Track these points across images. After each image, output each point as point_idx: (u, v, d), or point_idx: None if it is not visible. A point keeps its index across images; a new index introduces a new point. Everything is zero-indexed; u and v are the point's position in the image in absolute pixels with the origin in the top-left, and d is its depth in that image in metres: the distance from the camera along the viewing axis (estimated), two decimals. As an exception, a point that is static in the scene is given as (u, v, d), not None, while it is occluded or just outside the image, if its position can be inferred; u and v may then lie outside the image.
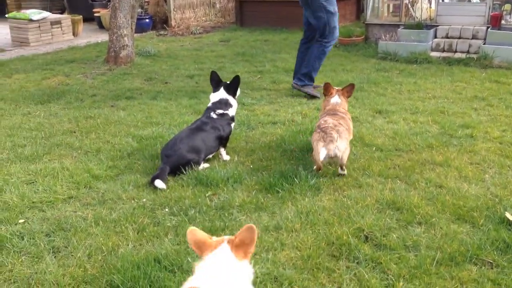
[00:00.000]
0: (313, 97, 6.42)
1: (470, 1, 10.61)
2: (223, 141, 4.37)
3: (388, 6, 10.67)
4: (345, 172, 3.96)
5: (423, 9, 9.80)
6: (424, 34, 8.88)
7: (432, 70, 7.77)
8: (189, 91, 6.81)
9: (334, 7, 6.45)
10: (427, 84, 6.91)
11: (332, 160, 3.90)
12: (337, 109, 4.24)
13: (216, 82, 4.55)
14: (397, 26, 9.60)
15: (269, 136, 4.92)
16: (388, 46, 8.86)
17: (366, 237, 3.08)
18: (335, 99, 4.35)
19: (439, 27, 9.10)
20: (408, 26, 9.28)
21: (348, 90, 4.41)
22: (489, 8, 8.91)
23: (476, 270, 2.75)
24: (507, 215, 3.20)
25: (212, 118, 4.36)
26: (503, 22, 8.74)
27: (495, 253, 2.87)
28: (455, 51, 8.66)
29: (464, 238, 3.03)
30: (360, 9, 13.92)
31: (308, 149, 4.44)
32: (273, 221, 3.30)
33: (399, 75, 7.52)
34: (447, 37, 8.94)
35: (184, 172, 4.01)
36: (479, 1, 10.59)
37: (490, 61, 7.93)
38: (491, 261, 2.81)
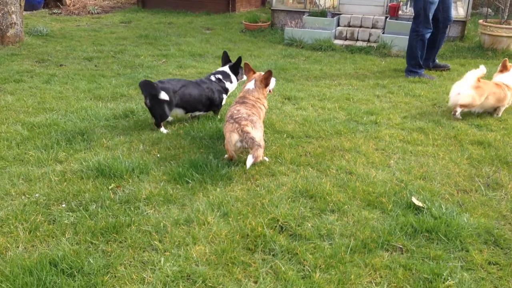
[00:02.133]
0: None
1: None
2: (213, 106, 4.79)
3: (293, -8, 10.76)
4: (267, 159, 3.88)
5: (327, -3, 9.99)
6: (328, 22, 9.05)
7: (336, 57, 7.93)
8: (88, 75, 6.33)
9: None
10: (332, 71, 7.02)
11: (246, 150, 3.77)
12: (247, 97, 4.09)
13: (225, 61, 5.01)
14: (303, 13, 9.71)
15: (177, 123, 4.68)
16: (294, 32, 8.92)
17: (281, 228, 2.99)
18: (249, 85, 4.16)
19: (342, 15, 9.33)
20: (313, 14, 9.41)
21: (265, 77, 4.12)
22: (388, -1, 9.28)
23: (388, 256, 2.77)
24: (414, 200, 3.28)
25: (210, 80, 4.78)
26: (400, 12, 9.15)
27: (405, 238, 2.91)
28: (357, 40, 8.93)
29: (375, 225, 3.05)
30: (265, -5, 13.95)
31: (218, 137, 4.28)
32: (183, 214, 3.10)
33: (306, 62, 7.58)
34: (349, 25, 9.20)
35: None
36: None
37: (389, 50, 8.27)
38: (401, 247, 2.85)
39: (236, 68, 4.90)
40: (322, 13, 9.40)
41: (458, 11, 9.72)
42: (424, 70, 6.93)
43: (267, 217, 3.08)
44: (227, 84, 4.84)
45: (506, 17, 8.18)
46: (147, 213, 3.10)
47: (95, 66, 6.94)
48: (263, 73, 4.18)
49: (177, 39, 9.05)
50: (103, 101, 5.27)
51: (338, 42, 8.81)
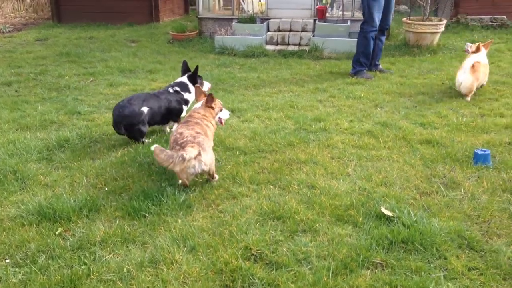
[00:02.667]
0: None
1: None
2: (171, 116, 4.68)
3: None
4: (217, 178, 3.67)
5: (254, 3, 9.91)
6: (258, 28, 8.97)
7: (270, 63, 7.86)
8: (9, 102, 5.79)
9: None
10: (270, 78, 6.93)
11: (200, 174, 3.55)
12: (192, 115, 3.86)
13: (184, 71, 4.94)
14: (231, 20, 9.57)
15: (119, 148, 4.35)
16: (224, 40, 8.76)
17: (256, 257, 2.80)
18: (197, 105, 4.00)
19: (271, 20, 9.29)
20: (241, 20, 9.30)
21: (208, 100, 3.90)
22: (315, 1, 9.35)
23: (370, 275, 2.67)
24: (383, 210, 3.21)
25: (168, 92, 4.71)
26: (327, 14, 9.26)
27: (383, 252, 2.83)
28: (289, 44, 8.92)
29: (350, 241, 2.94)
30: (188, 3, 13.66)
31: (168, 161, 4.01)
32: (147, 254, 2.83)
33: (241, 70, 7.44)
34: (279, 30, 9.18)
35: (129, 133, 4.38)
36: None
37: (321, 52, 8.33)
38: (381, 262, 2.76)
39: (194, 78, 4.82)
40: (251, 19, 9.31)
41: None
42: (366, 69, 7.00)
43: (238, 246, 2.88)
44: (186, 95, 4.76)
45: (428, 14, 8.50)
46: (105, 259, 2.80)
47: (16, 91, 6.38)
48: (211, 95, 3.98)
49: (102, 55, 8.58)
50: (31, 131, 4.81)
51: (270, 47, 8.76)
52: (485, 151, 3.97)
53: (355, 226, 3.12)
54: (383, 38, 7.20)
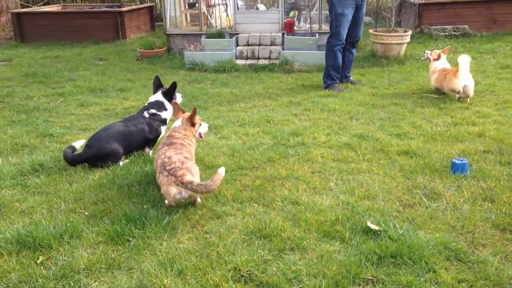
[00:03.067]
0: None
1: (258, 9, 11.18)
2: (149, 142, 4.58)
3: (186, 15, 10.55)
4: (199, 200, 3.64)
5: (222, 18, 9.93)
6: (228, 43, 8.98)
7: (242, 78, 7.86)
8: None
9: (343, 9, 6.70)
10: (243, 93, 6.92)
11: (188, 199, 3.50)
12: (174, 135, 3.84)
13: (156, 86, 4.80)
14: (200, 35, 9.55)
15: (96, 171, 4.24)
16: (194, 56, 8.72)
17: (246, 278, 2.76)
18: (177, 123, 3.96)
19: (240, 35, 9.31)
20: (210, 36, 9.29)
21: (190, 116, 3.92)
22: (282, 15, 9.43)
23: (362, 291, 2.66)
24: (369, 224, 3.22)
25: (144, 117, 4.57)
26: (295, 28, 9.35)
27: (372, 267, 2.83)
28: (259, 58, 8.95)
29: (339, 258, 2.93)
30: (154, 19, 13.57)
31: (148, 182, 3.94)
32: (133, 280, 2.75)
33: (213, 86, 7.41)
34: (248, 44, 9.20)
35: (102, 165, 4.28)
36: (265, 9, 11.23)
37: (291, 65, 8.39)
38: (372, 278, 2.75)
39: (170, 94, 4.70)
40: (220, 34, 9.31)
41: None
42: (337, 82, 7.07)
43: (227, 267, 2.83)
44: (163, 114, 4.66)
45: (393, 25, 8.69)
46: (91, 287, 2.70)
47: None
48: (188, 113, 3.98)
49: (69, 74, 8.40)
50: (3, 156, 4.65)
51: (240, 62, 8.77)
52: (462, 160, 4.04)
53: (342, 241, 3.11)
54: (354, 51, 7.29)
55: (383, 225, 3.20)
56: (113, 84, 7.60)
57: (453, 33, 10.15)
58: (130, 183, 3.94)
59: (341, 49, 6.94)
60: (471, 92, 5.98)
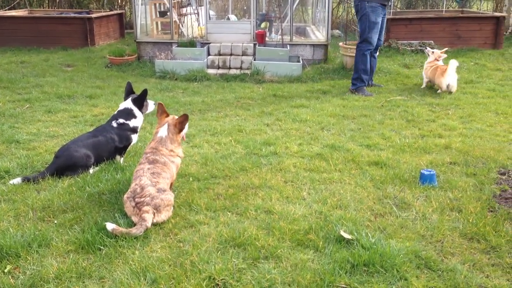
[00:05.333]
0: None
1: (229, 19, 11.24)
2: (120, 150, 4.52)
3: (157, 23, 10.49)
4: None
5: (194, 27, 9.92)
6: (199, 52, 8.97)
7: (213, 87, 7.86)
8: None
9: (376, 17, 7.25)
10: (214, 102, 6.92)
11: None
12: (160, 150, 3.68)
13: (127, 92, 4.71)
14: (171, 44, 9.51)
15: (65, 178, 4.15)
16: (165, 64, 8.67)
17: (220, 287, 2.74)
18: (162, 131, 3.77)
19: (211, 44, 9.32)
20: (181, 44, 9.26)
21: (180, 121, 3.79)
22: (254, 26, 9.50)
23: (336, 299, 2.69)
24: (342, 233, 3.26)
25: (112, 126, 4.49)
26: (267, 39, 9.42)
27: (346, 276, 2.86)
28: (230, 68, 8.98)
29: (313, 266, 2.95)
30: (123, 27, 13.44)
31: (120, 190, 3.87)
32: (105, 291, 2.69)
33: (185, 95, 7.38)
34: (220, 54, 9.22)
35: (72, 174, 4.17)
36: (236, 19, 11.30)
37: (263, 76, 8.44)
38: (345, 286, 2.78)
39: (140, 102, 4.63)
40: (191, 43, 9.30)
41: (317, 35, 10.32)
42: (366, 86, 7.56)
43: (201, 276, 2.81)
44: (132, 123, 4.58)
45: (362, 39, 8.85)
46: (61, 297, 2.63)
47: None
48: (176, 117, 3.85)
49: (36, 80, 8.21)
50: (-34, 162, 4.49)
51: (211, 71, 8.77)
52: (430, 171, 4.15)
53: (316, 250, 3.13)
54: (376, 55, 7.90)
55: (355, 234, 3.24)
56: (81, 91, 7.47)
57: (419, 47, 10.43)
58: (101, 191, 3.87)
59: (369, 54, 7.47)
60: (453, 89, 7.26)
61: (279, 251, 3.09)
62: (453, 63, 7.17)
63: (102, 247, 3.08)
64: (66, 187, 3.97)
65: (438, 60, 7.53)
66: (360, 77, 7.49)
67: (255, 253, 3.06)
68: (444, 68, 7.24)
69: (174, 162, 3.73)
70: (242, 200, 3.81)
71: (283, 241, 3.23)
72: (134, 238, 3.18)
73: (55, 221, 3.42)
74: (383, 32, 7.83)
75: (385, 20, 7.67)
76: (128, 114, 4.58)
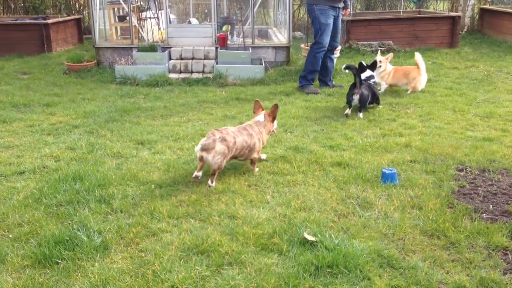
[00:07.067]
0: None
1: (191, 22, 11.15)
2: None
3: (116, 28, 10.31)
4: (213, 184, 4.07)
5: (154, 31, 9.79)
6: (160, 57, 8.86)
7: (176, 92, 7.77)
8: None
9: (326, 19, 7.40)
10: (177, 107, 6.83)
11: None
12: (252, 126, 4.40)
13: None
14: (131, 49, 9.36)
15: (21, 190, 4.00)
16: (125, 70, 8.53)
17: (184, 297, 2.69)
18: (259, 117, 4.54)
19: (172, 48, 9.23)
20: (142, 49, 9.13)
21: (272, 110, 4.57)
22: (215, 29, 9.45)
23: (301, 302, 2.67)
24: (306, 235, 3.25)
25: None
26: (229, 42, 9.39)
27: (310, 278, 2.85)
28: (192, 72, 8.90)
29: (277, 270, 2.93)
30: (82, 32, 13.16)
31: (79, 201, 3.76)
32: (63, 306, 2.60)
33: (146, 100, 7.26)
34: (181, 58, 9.13)
35: None
36: (198, 23, 11.23)
37: (225, 79, 8.40)
38: (310, 289, 2.78)
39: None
40: (152, 48, 9.17)
41: (279, 38, 10.36)
42: (312, 84, 7.81)
43: (164, 286, 2.75)
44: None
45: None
46: (16, 316, 2.53)
47: None
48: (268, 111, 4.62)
49: (-10, 89, 7.93)
50: None
51: (173, 76, 8.67)
52: (391, 170, 4.20)
53: (280, 254, 3.12)
54: (333, 57, 8.06)
55: (319, 235, 3.24)
56: (38, 99, 7.25)
57: (379, 48, 10.60)
58: (59, 202, 3.75)
59: (322, 55, 7.62)
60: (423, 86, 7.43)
61: (243, 256, 3.06)
62: (421, 60, 7.29)
63: (59, 261, 2.98)
64: (22, 199, 3.83)
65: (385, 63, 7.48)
66: (306, 76, 7.75)
67: (219, 260, 3.02)
68: (410, 69, 7.45)
69: (259, 140, 4.37)
70: (205, 206, 3.76)
71: (247, 246, 3.20)
72: (94, 250, 3.09)
73: (10, 236, 3.29)
74: (339, 33, 7.94)
75: (340, 21, 7.79)
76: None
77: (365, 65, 6.92)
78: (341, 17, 7.81)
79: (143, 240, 3.27)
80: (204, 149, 3.94)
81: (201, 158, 4.01)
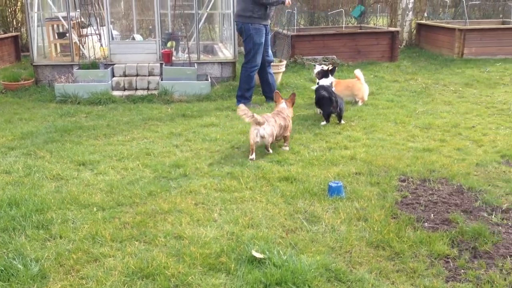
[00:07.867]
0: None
1: (134, 39, 10.98)
2: None
3: (56, 45, 9.99)
4: (288, 148, 5.49)
5: (96, 48, 9.57)
6: (102, 74, 8.65)
7: (120, 110, 7.58)
8: None
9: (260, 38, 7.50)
10: (120, 125, 6.66)
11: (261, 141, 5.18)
12: (282, 112, 5.54)
13: None
14: (71, 66, 9.09)
15: (-49, 219, 3.75)
16: (66, 88, 8.27)
17: (128, 324, 2.58)
18: (283, 104, 5.65)
19: (116, 65, 9.04)
20: (83, 66, 8.88)
21: (291, 99, 5.75)
22: (159, 46, 9.34)
23: (250, 323, 2.62)
24: (254, 253, 3.21)
25: None
26: (174, 58, 9.30)
27: (259, 297, 2.81)
28: (136, 89, 8.74)
29: (225, 290, 2.88)
30: (19, 49, 12.68)
31: (15, 228, 3.56)
32: None
33: (88, 119, 7.04)
34: (125, 75, 8.95)
35: None
36: (142, 39, 11.08)
37: (171, 96, 8.29)
38: (259, 308, 2.73)
39: None
40: (94, 65, 8.93)
41: (225, 53, 10.37)
42: (249, 101, 7.77)
43: (106, 315, 2.63)
44: None
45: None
46: None
47: None
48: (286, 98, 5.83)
49: None
50: None
51: (117, 93, 8.47)
52: (337, 183, 4.25)
53: (228, 273, 3.06)
54: (271, 70, 8.11)
55: (267, 252, 3.21)
56: (-28, 120, 6.88)
57: (323, 62, 10.81)
58: (-7, 230, 3.54)
59: (254, 73, 7.75)
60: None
61: (190, 278, 2.98)
62: (360, 73, 7.59)
63: (-7, 294, 2.79)
64: (-49, 228, 3.59)
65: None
66: (243, 94, 7.79)
67: (165, 283, 2.93)
68: (352, 82, 7.73)
69: (289, 122, 5.54)
70: (151, 227, 3.65)
71: (194, 267, 3.12)
72: (31, 280, 2.92)
73: None
74: (269, 47, 8.01)
75: (269, 37, 7.94)
76: None
77: (326, 69, 7.36)
78: (270, 33, 7.96)
79: (84, 266, 3.12)
80: (261, 135, 5.15)
81: (257, 143, 5.18)
